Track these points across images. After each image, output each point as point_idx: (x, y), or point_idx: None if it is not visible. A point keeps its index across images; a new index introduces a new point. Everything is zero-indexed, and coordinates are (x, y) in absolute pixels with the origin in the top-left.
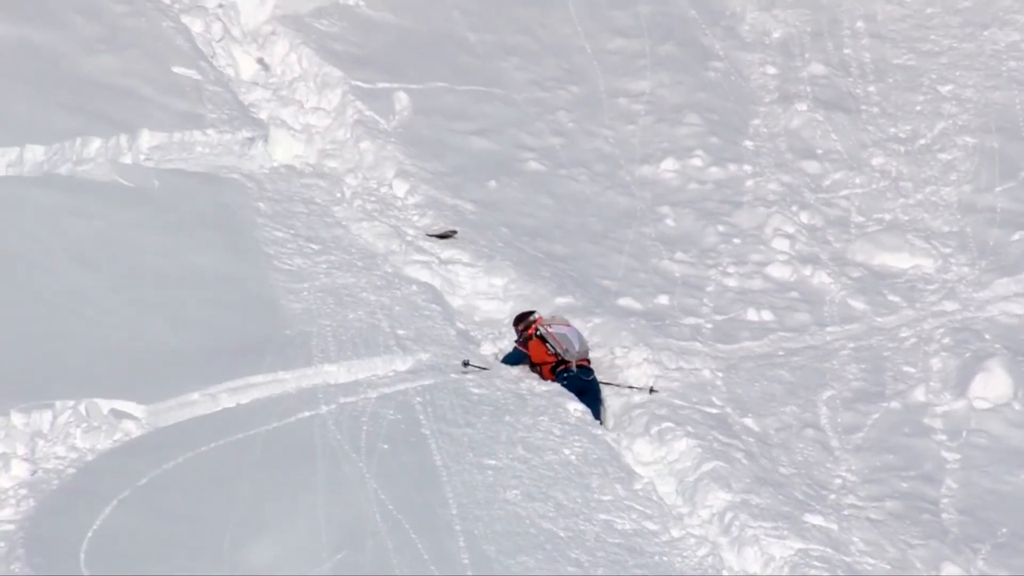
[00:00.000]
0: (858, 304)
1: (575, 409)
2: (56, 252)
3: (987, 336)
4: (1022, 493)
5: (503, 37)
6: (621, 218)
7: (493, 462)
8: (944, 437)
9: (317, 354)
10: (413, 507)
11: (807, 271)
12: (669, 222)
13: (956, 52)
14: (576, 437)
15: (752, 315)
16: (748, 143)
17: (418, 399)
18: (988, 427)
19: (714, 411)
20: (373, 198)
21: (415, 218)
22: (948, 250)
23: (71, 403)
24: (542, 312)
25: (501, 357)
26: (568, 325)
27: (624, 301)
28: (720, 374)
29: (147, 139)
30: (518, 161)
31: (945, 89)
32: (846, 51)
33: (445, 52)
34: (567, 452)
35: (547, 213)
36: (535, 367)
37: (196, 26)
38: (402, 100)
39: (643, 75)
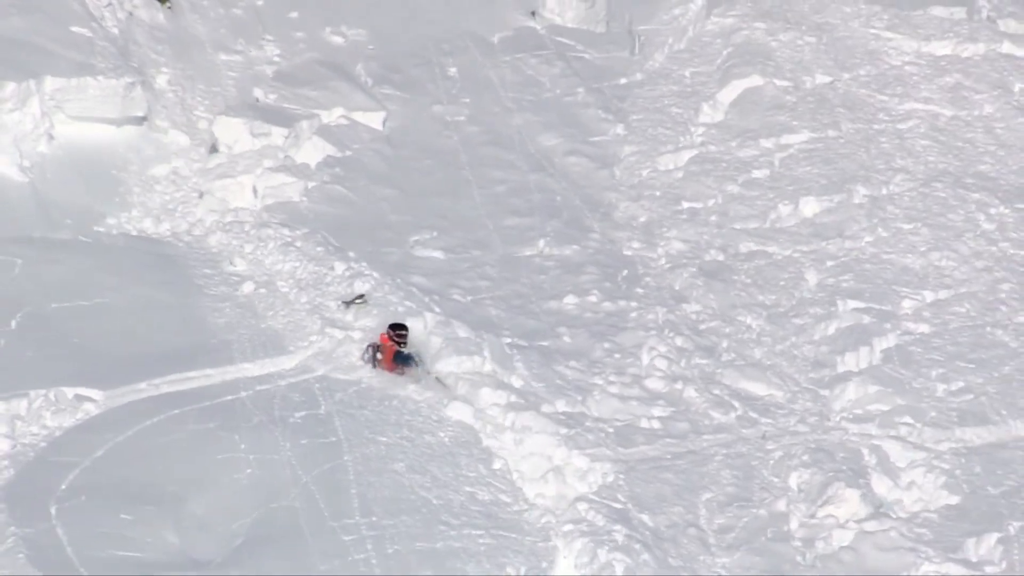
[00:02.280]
0: (721, 417)
1: (450, 400)
2: (32, 290)
3: (840, 456)
4: None
5: (420, 218)
6: (528, 334)
7: (384, 439)
8: (800, 544)
9: (237, 355)
10: (319, 472)
11: (678, 385)
12: (566, 339)
13: (820, 253)
14: (449, 423)
15: (644, 423)
16: (639, 290)
17: (317, 386)
18: (847, 542)
19: (618, 506)
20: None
21: (342, 288)
22: (797, 388)
23: (43, 392)
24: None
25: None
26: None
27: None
28: (623, 475)
29: (50, 83)
30: (448, 294)
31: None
32: (704, 236)
33: (373, 232)
34: (442, 435)
35: (466, 330)
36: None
37: None
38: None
39: (535, 243)
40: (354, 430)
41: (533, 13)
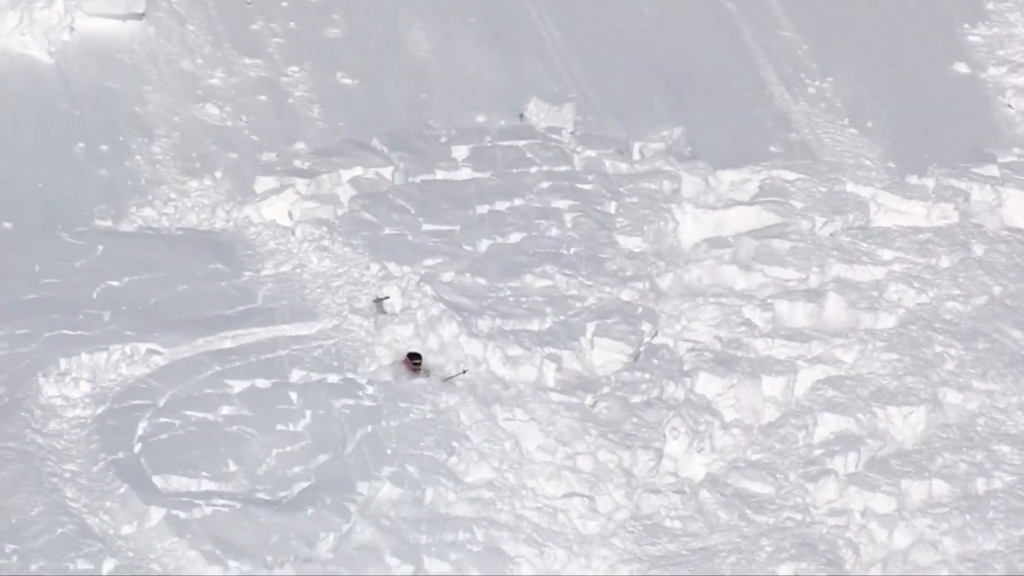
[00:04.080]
0: (726, 516)
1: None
2: (110, 268)
3: (822, 547)
4: None
5: (435, 247)
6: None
7: (418, 405)
8: None
9: (278, 319)
10: (364, 431)
11: (687, 489)
12: (602, 409)
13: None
14: (458, 398)
15: (668, 523)
16: (655, 361)
17: (348, 351)
18: None
19: None
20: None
21: (372, 280)
22: (788, 486)
23: (119, 346)
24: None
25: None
26: None
27: None
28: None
29: None
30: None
31: None
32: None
33: (396, 249)
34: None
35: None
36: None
37: None
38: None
39: (524, 277)
40: (388, 396)
41: (521, 116)
